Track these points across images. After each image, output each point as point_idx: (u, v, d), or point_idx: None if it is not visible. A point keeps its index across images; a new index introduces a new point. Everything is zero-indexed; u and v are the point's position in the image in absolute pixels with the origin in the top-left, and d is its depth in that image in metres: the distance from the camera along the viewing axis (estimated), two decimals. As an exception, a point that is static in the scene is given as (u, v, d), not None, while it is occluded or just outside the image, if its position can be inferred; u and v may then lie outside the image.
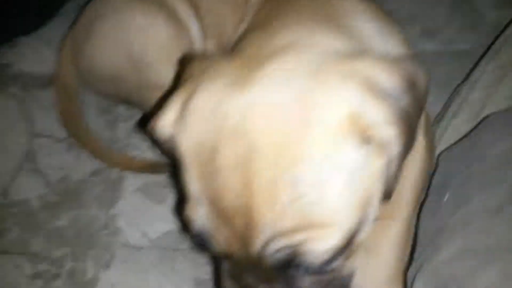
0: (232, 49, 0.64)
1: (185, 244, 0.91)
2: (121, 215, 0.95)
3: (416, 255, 0.65)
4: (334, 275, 0.55)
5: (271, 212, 0.47)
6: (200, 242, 0.54)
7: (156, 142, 0.60)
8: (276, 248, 0.49)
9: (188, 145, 0.52)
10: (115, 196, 0.96)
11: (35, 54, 1.11)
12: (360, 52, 0.55)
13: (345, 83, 0.48)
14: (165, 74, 0.85)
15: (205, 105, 0.52)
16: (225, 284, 0.58)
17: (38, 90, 1.05)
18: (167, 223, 0.93)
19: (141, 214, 0.95)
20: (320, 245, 0.48)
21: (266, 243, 0.49)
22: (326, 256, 0.49)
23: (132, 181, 0.97)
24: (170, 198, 0.95)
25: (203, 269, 0.87)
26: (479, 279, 0.51)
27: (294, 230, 0.47)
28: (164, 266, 0.90)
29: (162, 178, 0.96)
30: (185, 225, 0.55)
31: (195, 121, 0.52)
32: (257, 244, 0.49)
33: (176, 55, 0.85)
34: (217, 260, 0.60)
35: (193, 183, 0.52)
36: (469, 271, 0.52)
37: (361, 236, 0.54)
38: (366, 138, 0.48)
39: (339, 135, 0.47)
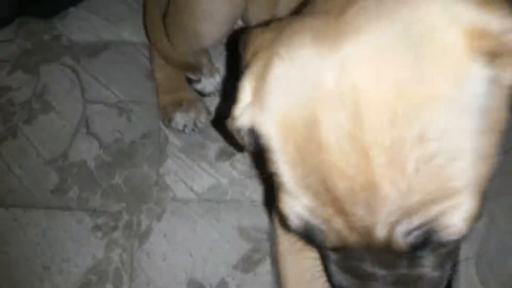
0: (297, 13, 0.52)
1: (228, 196, 0.98)
2: (169, 173, 1.02)
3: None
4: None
5: (397, 186, 0.38)
6: (305, 237, 0.46)
7: (240, 138, 0.51)
8: (407, 230, 0.40)
9: (275, 126, 0.42)
10: (163, 156, 1.03)
11: (85, 24, 1.17)
12: None
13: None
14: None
15: (289, 73, 0.42)
16: (336, 279, 0.50)
17: (89, 59, 1.12)
18: (210, 178, 1.00)
19: (186, 171, 1.02)
20: (457, 215, 0.39)
21: (393, 226, 0.40)
22: (466, 227, 0.40)
23: (177, 142, 1.04)
24: (210, 155, 1.02)
25: (245, 218, 0.94)
26: None
27: (425, 203, 0.38)
28: (209, 217, 0.97)
29: (202, 139, 1.03)
30: (283, 220, 0.47)
31: (279, 96, 0.42)
32: (382, 229, 0.40)
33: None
34: (322, 252, 0.51)
35: (289, 170, 0.42)
36: None
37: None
38: (494, 55, 0.38)
39: (463, 63, 0.37)
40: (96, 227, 0.98)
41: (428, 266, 0.45)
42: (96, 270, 0.96)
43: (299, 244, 0.56)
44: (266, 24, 0.51)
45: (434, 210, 0.38)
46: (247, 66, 0.47)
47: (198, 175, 1.02)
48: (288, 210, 0.45)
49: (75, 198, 1.02)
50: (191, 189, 1.00)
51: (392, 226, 0.40)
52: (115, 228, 0.99)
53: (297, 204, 0.43)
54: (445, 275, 0.48)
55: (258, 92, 0.45)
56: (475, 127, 0.38)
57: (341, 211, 0.41)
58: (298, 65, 0.41)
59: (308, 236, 0.45)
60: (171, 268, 0.92)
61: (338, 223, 0.42)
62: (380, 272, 0.45)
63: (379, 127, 0.37)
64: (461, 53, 0.37)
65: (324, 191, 0.41)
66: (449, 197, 0.38)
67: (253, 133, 0.46)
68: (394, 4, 0.39)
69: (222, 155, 1.02)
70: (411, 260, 0.44)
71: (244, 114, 0.46)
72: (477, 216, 0.40)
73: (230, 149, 1.00)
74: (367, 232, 0.41)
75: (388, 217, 0.39)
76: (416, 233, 0.40)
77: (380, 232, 0.41)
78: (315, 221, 0.43)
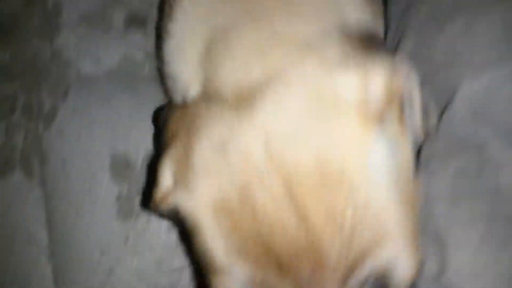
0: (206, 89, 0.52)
1: (145, 71, 0.91)
2: (68, 46, 0.91)
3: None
4: None
5: (337, 239, 0.39)
6: None
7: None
8: (359, 282, 0.41)
9: (205, 208, 0.43)
10: (56, 26, 0.91)
11: None
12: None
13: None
14: None
15: (212, 153, 0.43)
16: None
17: None
18: (120, 50, 0.92)
19: (89, 44, 0.91)
20: (402, 261, 0.42)
21: (344, 281, 0.41)
22: (414, 271, 0.43)
23: (73, 9, 0.91)
24: (119, 24, 0.92)
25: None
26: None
27: (366, 254, 0.40)
28: (125, 94, 0.90)
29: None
30: None
31: (205, 177, 0.43)
32: (333, 286, 0.41)
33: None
34: None
35: (222, 244, 0.42)
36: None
37: None
38: (382, 117, 0.43)
39: (361, 135, 0.41)
40: (-12, 111, 0.85)
41: None
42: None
43: None
44: (182, 107, 0.52)
45: (377, 257, 0.41)
46: (165, 148, 0.48)
47: (104, 47, 0.92)
48: None
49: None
50: (98, 64, 0.91)
51: (343, 281, 0.41)
52: (12, 110, 0.87)
53: (234, 280, 0.43)
54: None
55: (181, 176, 0.45)
56: (390, 181, 0.42)
57: (287, 275, 0.41)
58: (220, 146, 0.43)
59: None
60: (89, 145, 0.85)
61: (285, 286, 0.41)
62: None
63: (313, 190, 0.39)
64: (356, 126, 0.41)
65: (267, 257, 0.41)
66: (386, 241, 0.41)
67: (178, 215, 0.46)
68: (299, 98, 0.43)
69: (132, 23, 0.93)
70: None
71: (165, 199, 0.47)
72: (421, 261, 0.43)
73: (142, 14, 0.91)
74: None
75: (335, 273, 0.40)
76: (367, 284, 0.41)
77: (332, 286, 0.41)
78: None
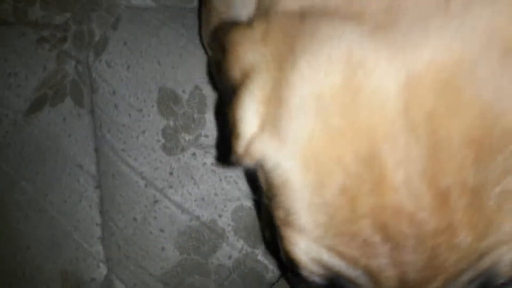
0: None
1: (194, 3, 0.88)
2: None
3: None
4: None
5: (475, 229, 0.32)
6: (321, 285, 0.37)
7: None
8: (470, 279, 0.34)
9: (305, 163, 0.33)
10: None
11: None
12: None
13: None
14: None
15: (323, 94, 0.32)
16: None
17: None
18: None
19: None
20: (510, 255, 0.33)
21: (457, 276, 0.34)
22: None
23: None
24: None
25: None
26: None
27: (497, 245, 0.33)
28: (174, 24, 0.88)
29: None
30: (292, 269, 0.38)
31: (308, 124, 0.32)
32: (440, 281, 0.34)
33: None
34: None
35: (321, 216, 0.33)
36: None
37: None
38: None
39: None
40: (42, 39, 0.86)
41: None
42: (51, 84, 0.85)
43: None
44: (249, 26, 0.36)
45: (500, 251, 0.33)
46: (238, 89, 0.36)
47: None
48: (307, 256, 0.35)
49: (10, 10, 0.86)
50: (148, -6, 0.89)
51: (455, 277, 0.34)
52: (63, 39, 0.87)
53: (324, 251, 0.34)
54: None
55: (271, 121, 0.34)
56: None
57: (398, 262, 0.33)
58: (339, 87, 0.31)
59: (332, 284, 0.36)
60: (137, 77, 0.84)
61: (389, 276, 0.34)
62: None
63: (463, 165, 0.30)
64: None
65: (382, 240, 0.33)
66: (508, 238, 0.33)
67: (263, 168, 0.36)
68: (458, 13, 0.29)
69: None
70: None
71: (251, 150, 0.35)
72: None
73: None
74: (420, 285, 0.34)
75: (455, 265, 0.33)
76: (477, 281, 0.34)
77: (437, 284, 0.34)
78: (352, 273, 0.35)
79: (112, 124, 0.83)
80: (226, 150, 0.40)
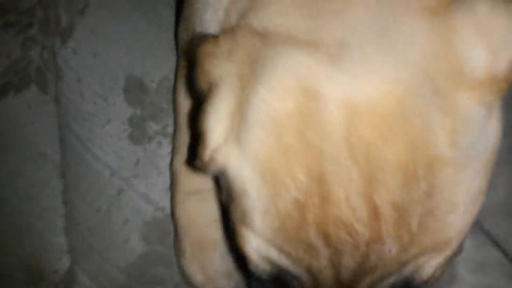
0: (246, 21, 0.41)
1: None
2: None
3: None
4: None
5: (400, 241, 0.37)
6: (270, 279, 0.42)
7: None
8: (394, 281, 0.40)
9: (261, 174, 0.37)
10: None
11: None
12: None
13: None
14: None
15: (277, 111, 0.36)
16: None
17: None
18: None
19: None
20: (436, 261, 0.40)
21: (381, 279, 0.39)
22: (435, 271, 0.40)
23: None
24: None
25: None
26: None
27: (418, 256, 0.38)
28: (145, 10, 0.87)
29: None
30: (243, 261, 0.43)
31: (267, 141, 0.37)
32: (367, 281, 0.39)
33: None
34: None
35: (273, 222, 0.38)
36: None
37: None
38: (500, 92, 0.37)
39: (466, 120, 0.36)
40: (8, 24, 0.84)
41: None
42: (15, 70, 0.83)
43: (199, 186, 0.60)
44: (214, 41, 0.40)
45: (422, 260, 0.39)
46: (205, 100, 0.39)
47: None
48: (257, 254, 0.40)
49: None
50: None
51: (381, 279, 0.39)
52: (29, 25, 0.85)
53: (273, 251, 0.39)
54: None
55: (234, 134, 0.38)
56: (470, 176, 0.38)
57: (336, 265, 0.38)
58: (294, 111, 0.35)
59: (276, 283, 0.42)
60: (104, 64, 0.83)
61: (326, 276, 0.39)
62: None
63: (393, 187, 0.35)
64: (465, 111, 0.36)
65: (324, 245, 0.37)
66: (439, 248, 0.38)
67: (225, 176, 0.40)
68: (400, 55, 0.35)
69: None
70: None
71: (215, 158, 0.39)
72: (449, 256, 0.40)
73: None
74: (352, 284, 0.39)
75: (382, 270, 0.38)
76: (399, 284, 0.40)
77: (366, 284, 0.39)
78: (296, 272, 0.40)
79: (77, 113, 0.81)
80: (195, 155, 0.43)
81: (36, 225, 0.81)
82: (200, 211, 0.68)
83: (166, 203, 0.78)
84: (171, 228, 0.78)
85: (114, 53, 0.83)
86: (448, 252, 0.39)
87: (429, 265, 0.39)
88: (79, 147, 0.80)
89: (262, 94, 0.36)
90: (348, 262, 0.38)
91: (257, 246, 0.40)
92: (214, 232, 0.66)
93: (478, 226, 0.45)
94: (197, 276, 0.66)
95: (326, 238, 0.37)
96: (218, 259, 0.65)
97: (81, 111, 0.81)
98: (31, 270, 0.80)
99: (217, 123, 0.39)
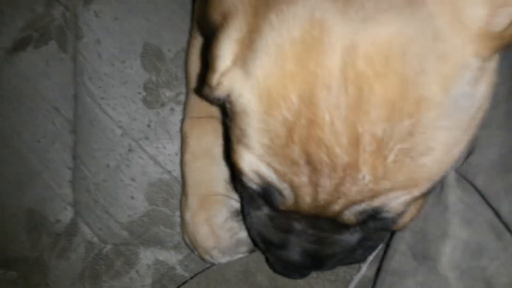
0: None
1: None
2: None
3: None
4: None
5: (374, 172, 0.40)
6: (258, 194, 0.48)
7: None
8: (363, 209, 0.43)
9: (258, 95, 0.41)
10: None
11: None
12: None
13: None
14: None
15: (284, 46, 0.39)
16: (258, 228, 0.53)
17: None
18: None
19: None
20: (404, 198, 0.43)
21: (352, 205, 0.43)
22: (402, 208, 0.44)
23: None
24: None
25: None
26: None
27: (390, 190, 0.42)
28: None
29: None
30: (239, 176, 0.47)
31: (270, 65, 0.40)
32: (340, 205, 0.43)
33: None
34: (253, 203, 0.53)
35: (267, 138, 0.42)
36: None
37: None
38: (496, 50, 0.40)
39: (458, 69, 0.39)
40: (32, -19, 0.85)
41: (348, 234, 0.49)
42: (37, 26, 0.86)
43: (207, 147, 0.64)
44: None
45: (392, 195, 0.42)
46: (218, 29, 0.43)
47: None
48: (249, 167, 0.44)
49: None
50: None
51: (351, 205, 0.42)
52: (54, -16, 0.86)
53: (263, 165, 0.43)
54: (366, 250, 0.53)
55: (242, 59, 0.41)
56: (452, 126, 0.40)
57: (314, 183, 0.42)
58: (299, 40, 0.38)
59: (263, 194, 0.46)
60: (124, 29, 0.85)
61: (305, 192, 0.43)
62: (308, 231, 0.48)
63: (376, 119, 0.38)
64: (461, 58, 0.38)
65: (305, 163, 0.41)
66: (410, 186, 0.41)
67: (229, 100, 0.43)
68: (409, 3, 0.37)
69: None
70: (338, 227, 0.47)
71: (222, 83, 0.43)
72: (418, 197, 0.43)
73: None
74: (327, 204, 0.43)
75: (355, 196, 0.42)
76: (365, 213, 0.43)
77: (338, 206, 0.43)
78: (280, 185, 0.44)
79: (94, 72, 0.84)
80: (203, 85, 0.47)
81: (43, 175, 0.82)
82: (208, 170, 0.71)
83: (173, 167, 0.81)
84: (176, 191, 0.81)
85: (134, 20, 0.86)
86: (415, 192, 0.42)
87: (397, 201, 0.42)
88: (93, 105, 0.82)
89: (272, 22, 0.39)
90: (325, 182, 0.41)
91: (250, 161, 0.44)
92: (222, 188, 0.69)
93: (470, 184, 0.49)
94: (202, 227, 0.69)
95: (308, 157, 0.40)
96: (224, 213, 0.68)
97: (98, 71, 0.83)
98: (34, 217, 0.81)
99: (228, 49, 0.43)
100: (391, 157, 0.40)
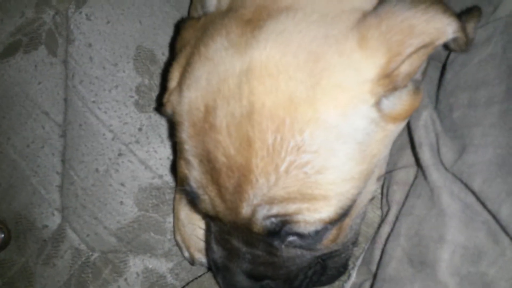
0: (229, 6, 0.54)
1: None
2: None
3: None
4: (321, 250, 0.53)
5: (267, 177, 0.44)
6: (192, 200, 0.53)
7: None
8: (265, 215, 0.47)
9: (185, 107, 0.49)
10: None
11: None
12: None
13: (365, 43, 0.43)
14: None
15: (203, 69, 0.48)
16: (211, 248, 0.57)
17: None
18: None
19: None
20: (311, 217, 0.46)
21: (255, 209, 0.47)
22: (315, 227, 0.47)
23: None
24: None
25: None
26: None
27: (288, 200, 0.45)
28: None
29: None
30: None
31: (192, 85, 0.49)
32: (245, 209, 0.47)
33: None
34: (207, 220, 0.58)
35: (187, 141, 0.49)
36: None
37: (358, 207, 0.52)
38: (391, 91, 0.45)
39: (356, 103, 0.44)
40: (24, -16, 0.85)
41: (283, 257, 0.51)
42: (26, 31, 0.85)
43: None
44: (198, 18, 0.57)
45: (292, 207, 0.45)
46: (176, 57, 0.54)
47: None
48: (183, 175, 0.51)
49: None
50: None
51: (255, 209, 0.46)
52: (45, -13, 0.86)
53: (190, 170, 0.49)
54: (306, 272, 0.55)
55: (181, 81, 0.50)
56: (348, 153, 0.44)
57: (216, 182, 0.47)
58: (212, 64, 0.47)
59: (191, 198, 0.52)
60: (116, 32, 0.84)
61: (211, 190, 0.48)
62: (243, 248, 0.51)
63: (266, 128, 0.43)
64: (358, 92, 0.43)
65: (206, 161, 0.47)
66: (311, 200, 0.45)
67: (173, 113, 0.52)
68: (311, 36, 0.44)
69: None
70: (268, 246, 0.50)
71: (169, 101, 0.52)
72: (334, 221, 0.47)
73: None
74: (234, 207, 0.47)
75: (253, 199, 0.45)
76: (272, 220, 0.46)
77: (245, 211, 0.47)
78: (196, 188, 0.50)
79: (85, 76, 0.83)
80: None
81: (31, 180, 0.80)
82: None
83: (164, 171, 0.79)
84: (168, 197, 0.79)
85: (127, 23, 0.85)
86: (323, 212, 0.46)
87: (303, 217, 0.46)
88: (83, 109, 0.81)
89: (200, 52, 0.49)
90: (225, 181, 0.46)
91: (183, 171, 0.51)
92: None
93: (466, 186, 0.47)
94: (195, 225, 0.68)
95: (208, 155, 0.46)
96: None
97: (89, 75, 0.82)
98: (22, 222, 0.79)
99: (176, 73, 0.53)
100: (283, 167, 0.44)
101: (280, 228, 0.47)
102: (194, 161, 0.49)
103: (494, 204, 0.42)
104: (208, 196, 0.49)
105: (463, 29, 0.43)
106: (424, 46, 0.43)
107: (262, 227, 0.47)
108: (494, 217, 0.44)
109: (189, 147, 0.49)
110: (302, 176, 0.44)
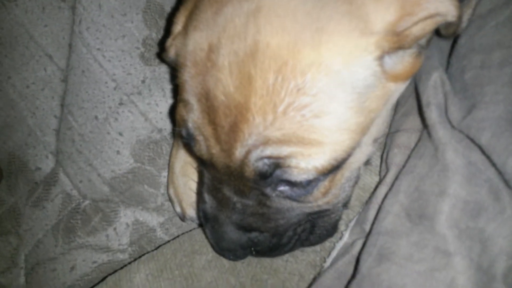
0: None
1: None
2: None
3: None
4: (311, 206, 0.53)
5: (264, 117, 0.44)
6: (188, 143, 0.52)
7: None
8: (259, 156, 0.46)
9: (189, 48, 0.49)
10: None
11: None
12: None
13: None
14: None
15: (210, 10, 0.48)
16: (202, 198, 0.57)
17: None
18: None
19: None
20: (304, 162, 0.46)
21: (249, 150, 0.46)
22: (307, 176, 0.47)
23: None
24: None
25: None
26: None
27: (282, 142, 0.45)
28: None
29: None
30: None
31: (198, 26, 0.49)
32: (239, 150, 0.47)
33: None
34: (201, 167, 0.57)
35: (188, 81, 0.49)
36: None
37: (351, 165, 0.52)
38: (396, 49, 0.45)
39: (361, 52, 0.44)
40: None
41: (273, 207, 0.51)
42: (38, -32, 0.83)
43: None
44: None
45: (286, 150, 0.45)
46: (183, 3, 0.54)
47: None
48: (180, 118, 0.51)
49: None
50: None
51: (249, 150, 0.46)
52: None
53: (188, 111, 0.49)
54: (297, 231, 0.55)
55: (186, 26, 0.50)
56: (347, 102, 0.44)
57: (212, 121, 0.47)
58: (220, 5, 0.46)
59: (187, 142, 0.51)
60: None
61: (207, 130, 0.48)
62: (234, 198, 0.52)
63: (268, 68, 0.43)
64: (363, 42, 0.43)
65: (205, 100, 0.47)
66: (305, 145, 0.45)
67: (176, 58, 0.52)
68: None
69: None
70: (259, 195, 0.51)
71: (173, 44, 0.52)
72: (326, 171, 0.47)
73: None
74: (229, 148, 0.47)
75: (247, 138, 0.45)
76: (265, 161, 0.46)
77: (239, 151, 0.47)
78: (193, 129, 0.50)
79: (92, 23, 0.81)
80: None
81: (28, 121, 0.79)
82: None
83: (164, 126, 0.78)
84: (165, 151, 0.78)
85: (139, -25, 0.84)
86: (317, 159, 0.45)
87: (296, 161, 0.45)
88: (87, 56, 0.80)
89: (202, 2, 0.48)
90: (221, 120, 0.46)
91: (182, 113, 0.51)
92: None
93: (471, 141, 0.47)
94: (190, 178, 0.67)
95: (208, 93, 0.46)
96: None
97: (96, 22, 0.81)
98: (14, 162, 0.78)
99: (181, 18, 0.53)
100: (281, 107, 0.44)
101: (272, 171, 0.47)
102: (193, 100, 0.49)
103: (501, 156, 0.42)
104: (204, 137, 0.49)
105: (459, 17, 0.44)
106: (437, 15, 0.43)
107: (254, 169, 0.47)
108: (499, 171, 0.43)
109: (189, 87, 0.49)
110: (299, 118, 0.44)
